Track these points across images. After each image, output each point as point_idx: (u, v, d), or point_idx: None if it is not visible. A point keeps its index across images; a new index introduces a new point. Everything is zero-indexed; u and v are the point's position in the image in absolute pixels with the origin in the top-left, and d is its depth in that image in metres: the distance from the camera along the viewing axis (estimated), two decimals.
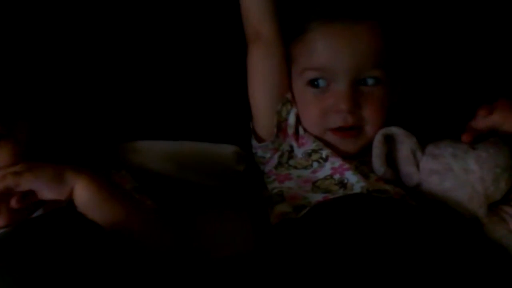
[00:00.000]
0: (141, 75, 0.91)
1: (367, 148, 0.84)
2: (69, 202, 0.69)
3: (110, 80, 0.90)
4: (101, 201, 0.69)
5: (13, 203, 0.67)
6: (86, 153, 0.85)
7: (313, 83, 0.84)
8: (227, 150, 0.91)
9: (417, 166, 0.82)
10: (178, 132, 0.90)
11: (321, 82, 0.83)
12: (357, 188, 0.79)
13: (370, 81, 0.83)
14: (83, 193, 0.69)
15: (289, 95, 0.87)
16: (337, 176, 0.82)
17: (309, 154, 0.85)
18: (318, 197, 0.80)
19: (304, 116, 0.86)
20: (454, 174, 0.78)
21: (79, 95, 0.89)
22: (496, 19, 0.96)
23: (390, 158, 0.83)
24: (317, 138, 0.85)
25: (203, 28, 0.92)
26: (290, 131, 0.87)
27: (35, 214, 0.73)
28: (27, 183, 0.68)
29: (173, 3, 0.91)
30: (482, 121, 0.81)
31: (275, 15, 0.86)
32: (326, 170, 0.83)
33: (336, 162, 0.83)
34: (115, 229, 0.67)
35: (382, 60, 0.83)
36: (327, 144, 0.85)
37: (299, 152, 0.86)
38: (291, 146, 0.87)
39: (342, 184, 0.81)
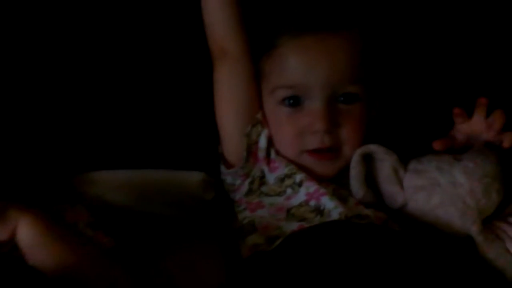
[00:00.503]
0: (95, 95, 0.88)
1: (345, 170, 0.81)
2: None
3: (62, 103, 0.87)
4: (48, 243, 0.64)
5: None
6: (37, 188, 0.80)
7: (286, 101, 0.81)
8: (193, 177, 0.86)
9: (401, 185, 0.79)
10: (138, 160, 0.87)
11: (295, 101, 0.80)
12: (334, 215, 0.75)
13: (347, 98, 0.80)
14: (27, 233, 0.64)
15: (259, 116, 0.83)
16: (312, 202, 0.78)
17: (281, 180, 0.81)
18: (292, 226, 0.76)
19: (277, 138, 0.83)
20: (441, 189, 0.75)
21: (27, 122, 0.85)
22: (477, 31, 0.94)
23: (371, 179, 0.80)
24: (291, 161, 0.82)
25: (164, 44, 0.89)
26: (261, 154, 0.83)
27: None
28: None
29: (134, 24, 0.89)
30: (461, 127, 0.78)
31: (241, 29, 0.83)
32: (300, 196, 0.79)
33: (311, 187, 0.79)
34: (62, 273, 0.62)
35: (360, 74, 0.81)
36: (302, 167, 0.81)
37: (271, 177, 0.82)
38: (263, 171, 0.83)
39: (319, 210, 0.77)
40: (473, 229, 0.74)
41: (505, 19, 0.94)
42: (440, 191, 0.75)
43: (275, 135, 0.82)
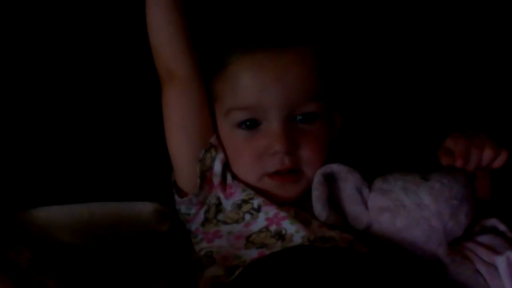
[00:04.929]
0: (35, 122, 0.85)
1: (307, 192, 0.78)
2: None
3: None
4: None
5: None
6: None
7: (243, 125, 0.78)
8: (145, 208, 0.83)
9: (365, 205, 0.77)
10: (83, 192, 0.83)
11: (252, 123, 0.78)
12: (297, 239, 0.73)
13: (306, 117, 0.78)
14: None
15: (213, 140, 0.80)
16: (273, 228, 0.75)
17: (239, 206, 0.78)
18: (252, 253, 0.73)
19: (235, 163, 0.80)
20: (406, 210, 0.74)
21: None
22: (438, 46, 0.95)
23: (335, 200, 0.78)
24: (249, 185, 0.79)
25: (110, 67, 0.87)
26: (216, 180, 0.80)
27: None
28: None
29: (79, 45, 0.86)
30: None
31: (190, 48, 0.80)
32: (260, 221, 0.76)
33: (271, 211, 0.76)
34: None
35: (318, 91, 0.79)
36: (263, 192, 0.78)
37: (227, 204, 0.79)
38: (218, 198, 0.80)
39: (280, 235, 0.74)
40: (440, 252, 0.72)
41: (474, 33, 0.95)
42: (405, 213, 0.73)
43: (233, 160, 0.80)
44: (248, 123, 0.77)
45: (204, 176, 0.79)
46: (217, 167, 0.79)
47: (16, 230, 0.78)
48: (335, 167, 0.76)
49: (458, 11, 0.94)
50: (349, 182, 0.76)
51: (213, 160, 0.79)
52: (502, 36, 0.94)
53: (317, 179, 0.76)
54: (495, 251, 0.72)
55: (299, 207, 0.78)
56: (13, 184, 0.83)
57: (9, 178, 0.83)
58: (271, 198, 0.78)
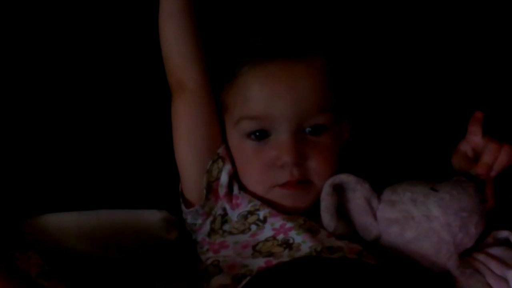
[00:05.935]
0: (44, 129, 0.85)
1: (316, 201, 0.78)
2: None
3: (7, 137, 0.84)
4: None
5: None
6: None
7: (252, 135, 0.78)
8: (153, 216, 0.83)
9: (374, 216, 0.76)
10: (92, 199, 0.83)
11: (261, 134, 0.78)
12: (304, 248, 0.72)
13: (315, 129, 0.78)
14: None
15: (220, 151, 0.80)
16: (280, 236, 0.75)
17: (245, 217, 0.78)
18: (259, 262, 0.72)
19: (244, 174, 0.80)
20: (415, 222, 0.73)
21: None
22: (443, 54, 0.94)
23: (343, 210, 0.77)
24: (258, 196, 0.78)
25: (121, 77, 0.87)
26: (222, 191, 0.79)
27: None
28: None
29: (90, 57, 0.87)
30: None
31: (200, 60, 0.80)
32: (266, 231, 0.76)
33: (277, 222, 0.76)
34: None
35: (327, 101, 0.78)
36: (271, 202, 0.78)
37: (233, 215, 0.79)
38: (224, 209, 0.80)
39: (287, 244, 0.74)
40: (450, 264, 0.72)
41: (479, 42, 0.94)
42: (414, 225, 0.73)
43: (242, 171, 0.79)
44: (257, 133, 0.77)
45: (210, 187, 0.79)
46: (224, 178, 0.79)
47: (25, 236, 0.78)
48: (344, 178, 0.76)
49: (469, 22, 0.93)
50: (358, 193, 0.76)
51: (219, 171, 0.79)
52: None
53: (325, 190, 0.76)
54: (507, 265, 0.71)
55: (308, 216, 0.77)
56: (23, 189, 0.82)
57: (19, 183, 0.83)
58: (281, 208, 0.77)
